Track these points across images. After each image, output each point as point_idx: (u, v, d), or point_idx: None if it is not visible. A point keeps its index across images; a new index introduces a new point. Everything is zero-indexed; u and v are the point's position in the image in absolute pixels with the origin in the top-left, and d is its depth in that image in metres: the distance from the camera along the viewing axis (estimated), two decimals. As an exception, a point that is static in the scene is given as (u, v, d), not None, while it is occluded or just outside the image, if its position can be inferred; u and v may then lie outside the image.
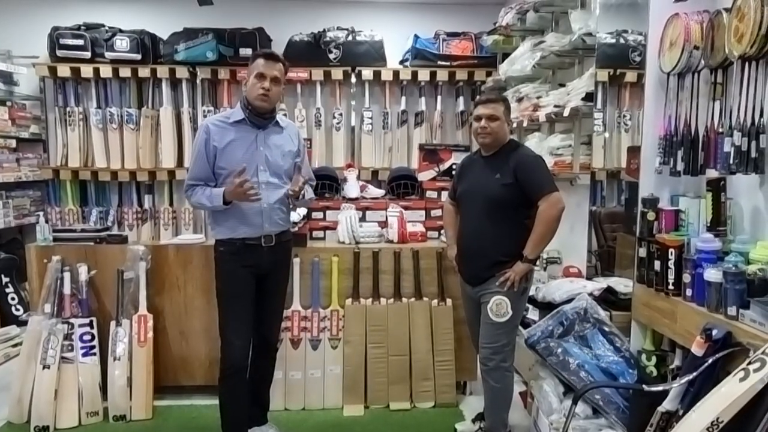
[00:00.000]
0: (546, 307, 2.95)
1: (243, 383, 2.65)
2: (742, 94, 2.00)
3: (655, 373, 2.39)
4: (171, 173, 5.08)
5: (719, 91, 2.15)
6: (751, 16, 1.86)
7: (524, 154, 2.64)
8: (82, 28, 4.93)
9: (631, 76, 3.34)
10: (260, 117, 2.62)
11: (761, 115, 1.94)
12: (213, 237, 2.71)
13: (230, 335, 2.61)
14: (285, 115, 5.10)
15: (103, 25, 4.97)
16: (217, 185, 2.60)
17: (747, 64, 1.97)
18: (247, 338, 2.64)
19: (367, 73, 5.10)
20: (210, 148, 2.58)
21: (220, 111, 4.89)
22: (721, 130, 2.11)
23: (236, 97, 4.95)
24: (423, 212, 3.70)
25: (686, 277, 2.14)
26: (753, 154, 1.94)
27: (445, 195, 3.40)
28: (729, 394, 1.60)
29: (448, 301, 3.31)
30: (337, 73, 5.09)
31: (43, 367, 2.99)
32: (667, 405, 1.96)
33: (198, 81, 5.07)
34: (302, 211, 3.35)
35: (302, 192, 2.69)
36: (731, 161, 2.00)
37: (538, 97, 3.92)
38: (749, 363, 1.63)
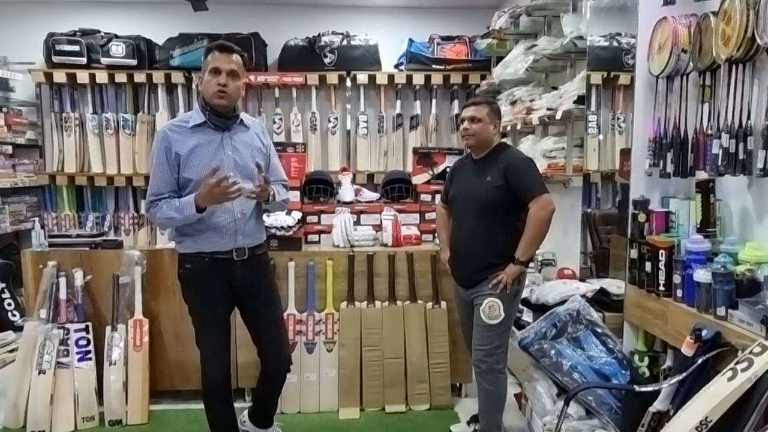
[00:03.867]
0: (539, 309, 2.95)
1: (226, 394, 2.55)
2: (729, 96, 2.02)
3: (647, 373, 2.41)
4: (167, 178, 5.08)
5: (707, 93, 2.17)
6: (737, 20, 1.88)
7: (514, 156, 2.66)
8: (78, 34, 4.95)
9: (624, 78, 3.34)
10: (222, 117, 2.38)
11: (749, 117, 1.96)
12: (177, 251, 2.47)
13: (207, 351, 2.48)
14: (281, 119, 5.14)
15: (99, 31, 5.00)
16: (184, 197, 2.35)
17: (734, 66, 1.99)
18: (224, 352, 2.52)
19: (362, 77, 5.12)
20: (172, 156, 2.33)
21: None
22: (709, 132, 2.12)
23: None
24: (417, 215, 3.71)
25: (676, 278, 2.15)
26: (741, 156, 1.96)
27: (439, 198, 3.41)
28: (717, 394, 1.62)
29: (443, 303, 3.32)
30: (333, 78, 5.10)
31: (39, 373, 2.99)
32: (658, 405, 1.98)
33: (194, 86, 5.07)
34: (297, 214, 3.35)
35: (271, 193, 2.43)
36: (720, 163, 2.02)
37: (531, 100, 3.94)
38: (737, 363, 1.65)
